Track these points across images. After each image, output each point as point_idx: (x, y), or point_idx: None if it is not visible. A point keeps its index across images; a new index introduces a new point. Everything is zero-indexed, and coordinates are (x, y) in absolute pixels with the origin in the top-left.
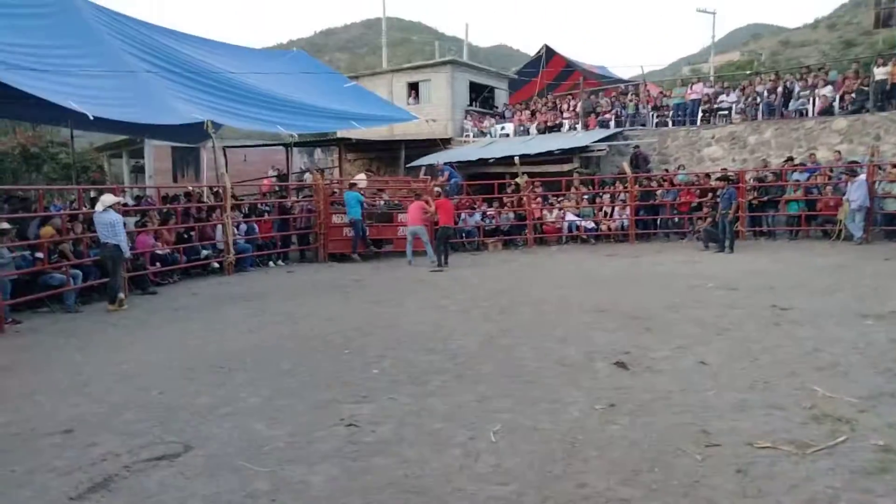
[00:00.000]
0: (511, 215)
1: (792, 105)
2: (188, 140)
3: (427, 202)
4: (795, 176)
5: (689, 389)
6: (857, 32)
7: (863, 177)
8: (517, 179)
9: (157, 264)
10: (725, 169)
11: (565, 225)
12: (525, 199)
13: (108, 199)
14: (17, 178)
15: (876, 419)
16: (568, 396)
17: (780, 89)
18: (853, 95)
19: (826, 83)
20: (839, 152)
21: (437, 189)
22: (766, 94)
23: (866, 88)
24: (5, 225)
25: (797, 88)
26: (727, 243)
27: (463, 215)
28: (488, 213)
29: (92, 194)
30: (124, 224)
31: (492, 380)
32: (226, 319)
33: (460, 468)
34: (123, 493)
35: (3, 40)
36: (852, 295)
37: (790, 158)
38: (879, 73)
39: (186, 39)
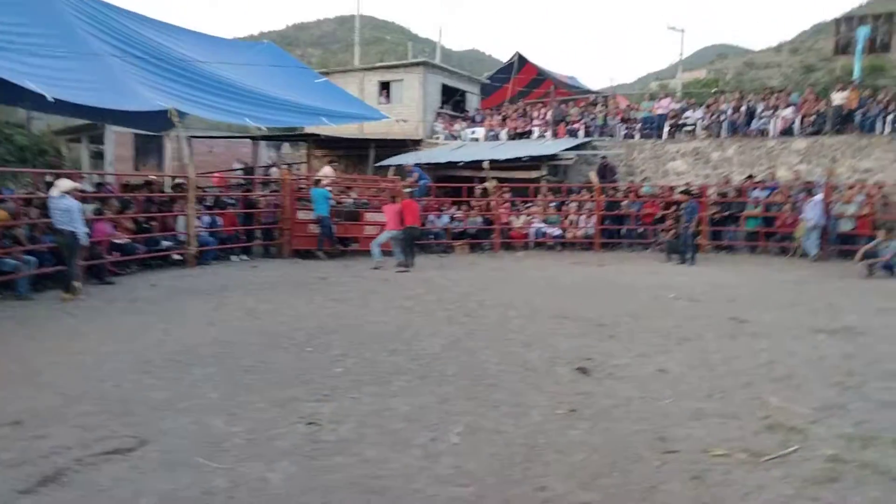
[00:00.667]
0: (479, 219)
1: (754, 124)
2: (151, 128)
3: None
4: (756, 193)
5: (648, 397)
6: (817, 58)
7: (819, 196)
8: (486, 184)
9: (116, 253)
10: (689, 183)
11: (532, 231)
12: (493, 203)
13: (64, 184)
14: None
15: (827, 430)
16: (530, 400)
17: (743, 108)
18: (812, 118)
19: (787, 105)
20: (798, 172)
21: (406, 190)
22: (730, 112)
23: (823, 110)
24: None
25: (760, 108)
26: (689, 255)
27: (431, 217)
28: (456, 216)
29: (48, 178)
30: (82, 211)
31: (455, 382)
32: (186, 312)
33: (421, 469)
34: (74, 487)
35: None
36: (807, 310)
37: (751, 176)
38: (837, 97)
39: (154, 25)
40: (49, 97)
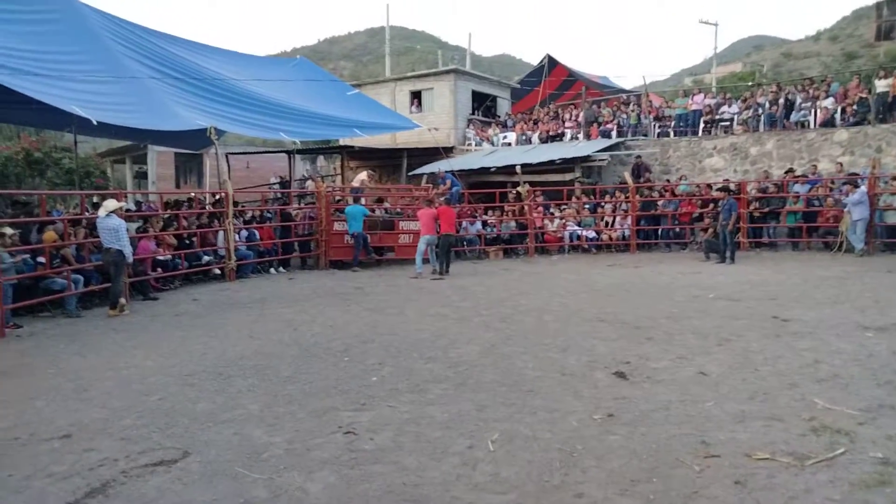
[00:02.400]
0: (512, 224)
1: (793, 116)
2: (191, 146)
3: (434, 208)
4: (796, 187)
5: (688, 400)
6: (858, 45)
7: (863, 188)
8: (519, 188)
9: (159, 270)
10: (727, 180)
11: (566, 234)
12: (526, 208)
13: (110, 204)
14: (20, 182)
15: (875, 431)
16: (567, 406)
17: (781, 101)
18: (855, 107)
19: (828, 95)
20: (841, 164)
21: (439, 198)
22: (767, 105)
23: (866, 97)
24: (7, 229)
25: (799, 100)
26: (728, 254)
27: (464, 224)
28: (489, 221)
29: (95, 199)
30: (126, 229)
31: (491, 388)
32: (226, 326)
33: (458, 477)
34: (120, 499)
35: (9, 45)
36: (853, 307)
37: (791, 170)
38: (881, 85)
39: (190, 46)
40: (94, 121)
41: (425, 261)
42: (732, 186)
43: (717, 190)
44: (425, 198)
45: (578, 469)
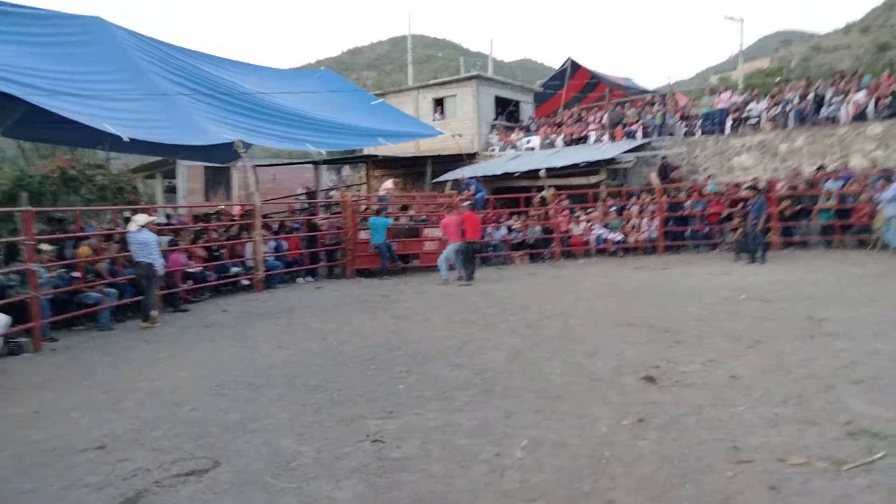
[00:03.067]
0: (538, 229)
1: (823, 111)
2: (219, 160)
3: (460, 214)
4: (828, 184)
5: (719, 404)
6: (891, 35)
7: None
8: (544, 193)
9: (189, 282)
10: (756, 178)
11: (592, 237)
12: (552, 212)
13: (141, 218)
14: (56, 200)
15: None
16: (596, 411)
17: (810, 96)
18: (888, 100)
19: (859, 88)
20: (874, 159)
21: (464, 203)
22: (796, 100)
23: None
24: (45, 246)
25: (829, 94)
26: (759, 254)
27: (489, 229)
28: (514, 226)
29: (127, 215)
30: (158, 243)
31: (519, 395)
32: (255, 335)
33: (486, 485)
34: None
35: (43, 67)
36: (890, 305)
37: (822, 166)
38: None
39: (216, 62)
40: (125, 138)
41: (450, 267)
42: (762, 185)
43: (746, 189)
44: (449, 205)
45: (608, 476)
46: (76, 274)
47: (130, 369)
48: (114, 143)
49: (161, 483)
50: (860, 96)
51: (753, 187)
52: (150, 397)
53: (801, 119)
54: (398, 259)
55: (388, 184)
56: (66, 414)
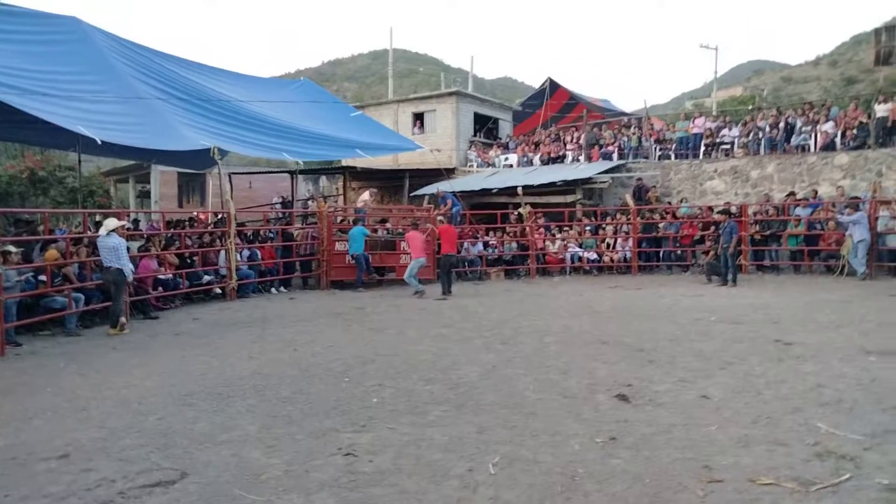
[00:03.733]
0: (514, 245)
1: (794, 140)
2: (195, 166)
3: (424, 230)
4: (798, 211)
5: (691, 424)
6: (857, 70)
7: (862, 212)
8: (520, 210)
9: (160, 289)
10: (729, 203)
11: (568, 255)
12: (528, 229)
13: (111, 223)
14: (24, 201)
15: (881, 457)
16: (569, 429)
17: (781, 124)
18: (855, 132)
19: (828, 119)
20: (842, 188)
21: (440, 218)
22: (768, 129)
23: (866, 122)
24: (10, 248)
25: (799, 124)
26: (729, 276)
27: (465, 244)
28: (491, 242)
29: (97, 218)
30: (127, 248)
31: (492, 411)
32: (226, 345)
33: (459, 500)
34: None
35: (16, 65)
36: (857, 331)
37: (792, 193)
38: (881, 110)
39: (195, 67)
40: (98, 140)
41: (423, 281)
42: (733, 209)
43: (718, 213)
44: (426, 219)
45: (580, 493)
46: (43, 278)
47: (97, 376)
48: (86, 145)
49: (126, 494)
50: (828, 127)
51: (725, 211)
52: (116, 406)
53: (772, 147)
54: (374, 271)
55: (366, 196)
56: (28, 422)
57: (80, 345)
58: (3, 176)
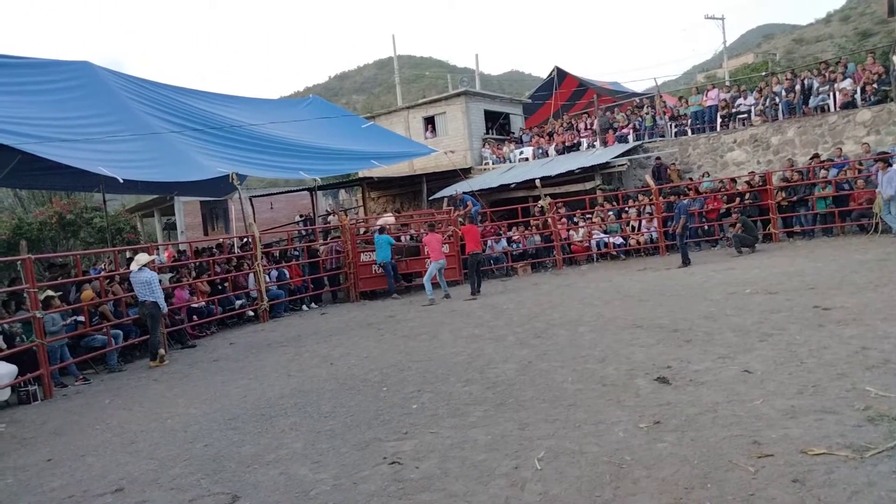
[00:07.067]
0: (537, 238)
1: (812, 102)
2: (215, 193)
3: (443, 233)
4: (824, 172)
5: (735, 400)
6: (872, 22)
7: (895, 166)
8: (540, 202)
9: (194, 317)
10: (753, 173)
11: (593, 243)
12: (550, 220)
13: (142, 258)
14: (56, 245)
15: None
16: (612, 417)
17: (798, 87)
18: (875, 86)
19: (845, 76)
20: (867, 144)
21: (460, 219)
22: (783, 93)
23: (885, 75)
24: (50, 292)
25: (815, 84)
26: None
27: (489, 242)
28: (514, 237)
29: (128, 255)
30: (160, 281)
31: (533, 406)
32: (264, 366)
33: (507, 499)
34: None
35: (32, 115)
36: None
37: (816, 155)
38: None
39: (205, 97)
40: (120, 179)
41: (435, 285)
42: (684, 189)
43: (669, 194)
44: (429, 222)
45: (629, 480)
46: (81, 318)
47: (142, 409)
48: (109, 184)
49: None
50: (846, 84)
51: (676, 192)
52: (163, 436)
53: (791, 110)
54: (401, 278)
55: (390, 218)
56: (81, 459)
57: (123, 380)
58: (33, 223)
